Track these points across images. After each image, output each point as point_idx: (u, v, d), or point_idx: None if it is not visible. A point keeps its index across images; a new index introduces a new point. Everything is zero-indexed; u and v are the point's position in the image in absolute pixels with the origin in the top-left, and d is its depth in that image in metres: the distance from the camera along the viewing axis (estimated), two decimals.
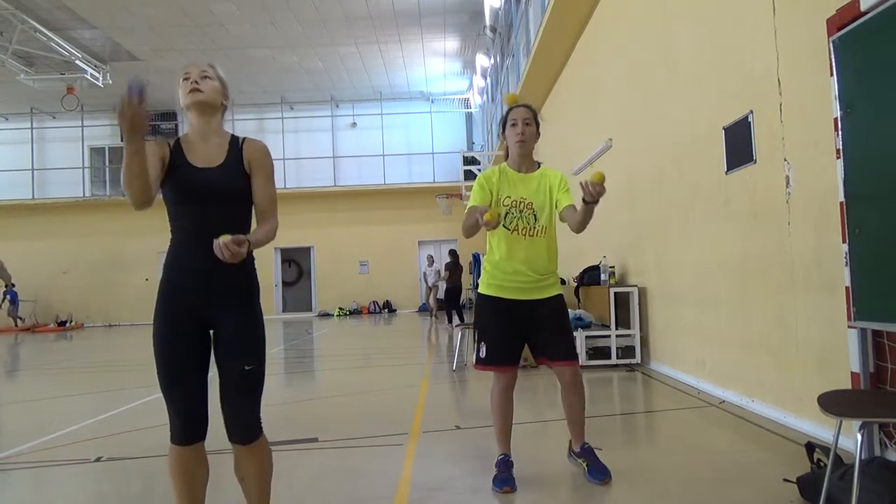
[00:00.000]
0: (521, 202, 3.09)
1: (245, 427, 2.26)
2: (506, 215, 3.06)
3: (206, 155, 2.29)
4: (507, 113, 3.20)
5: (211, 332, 2.28)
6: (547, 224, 3.10)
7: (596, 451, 3.12)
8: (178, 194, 2.25)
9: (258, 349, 2.28)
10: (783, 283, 4.06)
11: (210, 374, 2.30)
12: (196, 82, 2.31)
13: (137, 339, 15.49)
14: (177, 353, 2.22)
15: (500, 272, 3.11)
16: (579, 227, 2.98)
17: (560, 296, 3.20)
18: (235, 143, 2.34)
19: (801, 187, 3.85)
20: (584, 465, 3.07)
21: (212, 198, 2.23)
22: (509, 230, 3.07)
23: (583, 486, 2.98)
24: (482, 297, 3.19)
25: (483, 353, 3.14)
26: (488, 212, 2.82)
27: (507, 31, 14.62)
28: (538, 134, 3.19)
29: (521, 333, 3.14)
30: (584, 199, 2.83)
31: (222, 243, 2.02)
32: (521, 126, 3.10)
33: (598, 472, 3.03)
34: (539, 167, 3.21)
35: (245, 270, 2.29)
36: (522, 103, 3.25)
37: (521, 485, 3.05)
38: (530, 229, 3.08)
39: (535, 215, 3.08)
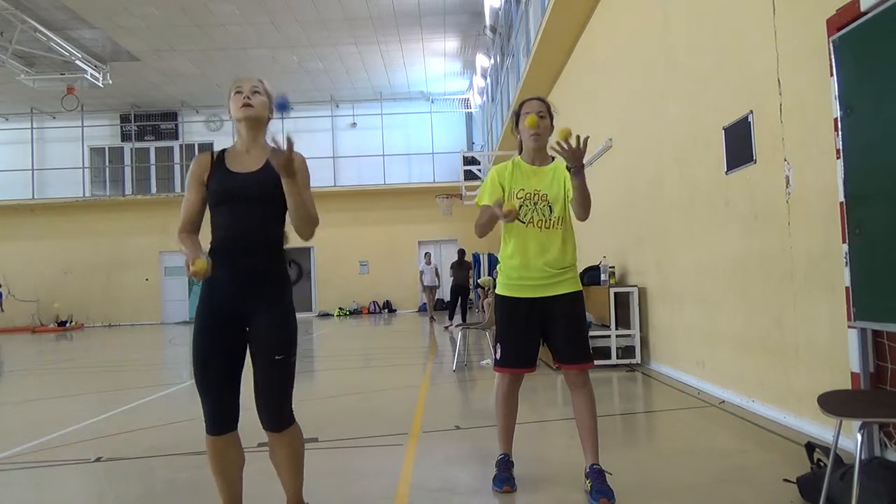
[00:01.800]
0: (535, 194, 3.02)
1: (274, 415, 2.40)
2: (519, 208, 2.99)
3: (245, 164, 2.46)
4: (521, 106, 3.14)
5: (247, 328, 2.41)
6: (562, 215, 3.03)
7: (606, 475, 2.90)
8: (213, 196, 2.44)
9: (288, 342, 2.41)
10: (783, 283, 4.06)
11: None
12: (248, 97, 2.45)
13: (137, 340, 15.49)
14: (210, 349, 2.36)
15: (514, 270, 3.04)
16: (580, 208, 2.92)
17: (577, 293, 3.07)
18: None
19: (801, 187, 3.85)
20: (589, 485, 2.89)
21: (244, 198, 2.39)
22: (524, 223, 3.00)
23: (582, 487, 2.98)
24: (498, 298, 3.14)
25: (499, 356, 3.10)
26: (505, 203, 2.80)
27: (507, 31, 14.62)
28: (552, 127, 3.13)
29: (538, 333, 3.06)
30: (567, 168, 2.82)
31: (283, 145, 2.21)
32: (535, 119, 3.04)
33: (600, 494, 2.80)
34: (553, 161, 3.14)
35: (278, 270, 2.47)
36: (536, 96, 3.20)
37: (521, 485, 3.04)
38: (545, 221, 3.01)
39: (549, 207, 3.01)
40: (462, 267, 14.48)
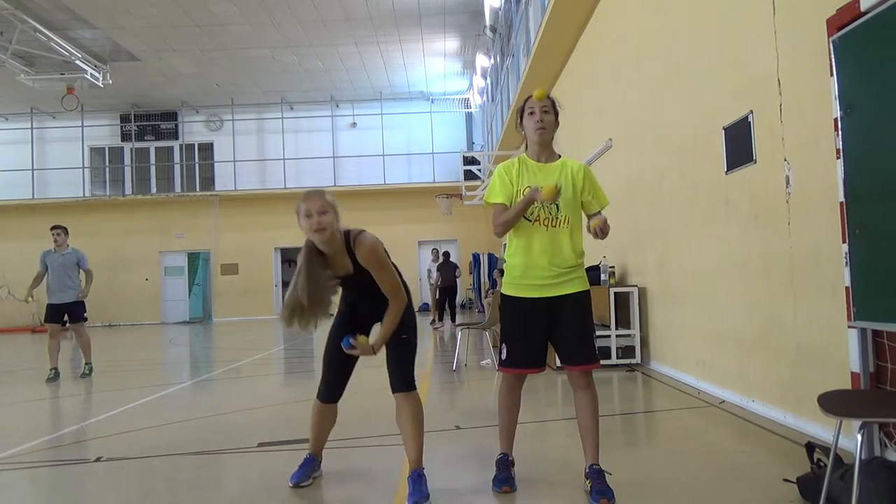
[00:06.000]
0: None
1: (398, 379, 3.08)
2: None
3: (341, 265, 3.04)
4: (525, 102, 3.13)
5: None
6: (570, 214, 3.00)
7: (606, 475, 2.90)
8: (340, 286, 3.18)
9: (408, 327, 3.11)
10: (783, 283, 4.06)
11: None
12: (320, 221, 2.87)
13: (137, 340, 15.48)
14: (335, 348, 3.12)
15: (517, 269, 3.02)
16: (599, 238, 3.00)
17: (584, 292, 3.03)
18: (350, 250, 2.99)
19: (801, 187, 3.85)
20: (589, 485, 2.89)
21: (360, 289, 3.13)
22: (530, 221, 2.97)
23: (582, 486, 2.98)
24: (503, 297, 3.11)
25: (504, 356, 3.08)
26: (544, 189, 2.84)
27: (507, 31, 14.61)
28: (557, 123, 3.11)
29: (544, 333, 3.03)
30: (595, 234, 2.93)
31: (354, 353, 3.05)
32: (539, 114, 3.02)
33: (600, 494, 2.79)
34: (559, 157, 3.12)
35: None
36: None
37: (521, 485, 3.04)
38: (552, 219, 2.97)
39: (556, 205, 2.97)
40: (448, 267, 14.45)
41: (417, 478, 2.95)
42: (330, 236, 2.91)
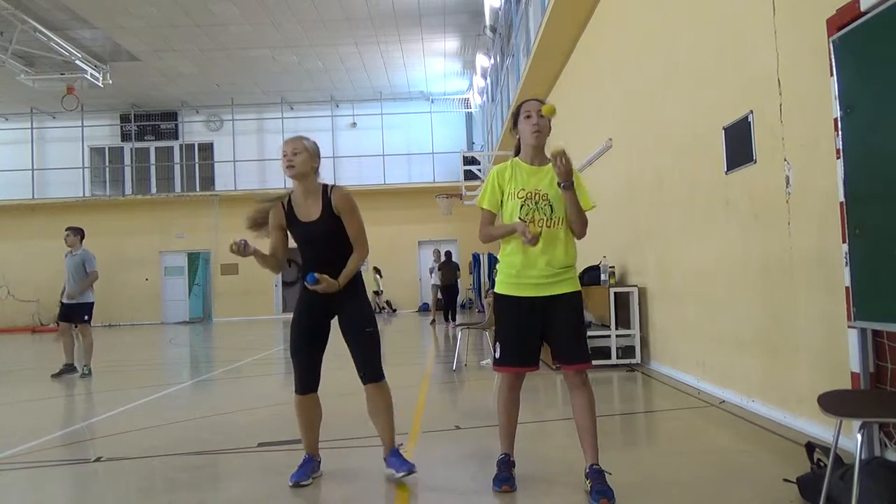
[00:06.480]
0: (535, 193, 3.03)
1: (370, 371, 3.22)
2: (521, 207, 3.02)
3: (307, 211, 3.21)
4: (520, 106, 3.17)
5: (335, 318, 3.27)
6: (563, 216, 3.04)
7: (606, 475, 2.89)
8: (296, 239, 3.29)
9: (370, 320, 3.28)
10: (783, 283, 4.06)
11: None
12: (290, 159, 3.13)
13: (137, 340, 15.48)
14: (300, 335, 3.27)
15: (514, 268, 3.04)
16: (575, 225, 3.02)
17: (577, 293, 3.09)
18: (325, 195, 3.18)
19: (801, 187, 3.85)
20: (589, 485, 2.87)
21: (317, 242, 3.21)
22: (525, 222, 3.00)
23: (582, 486, 2.98)
24: (497, 297, 3.13)
25: (499, 354, 3.10)
26: (530, 229, 2.89)
27: (507, 31, 14.62)
28: (549, 127, 3.15)
29: (538, 332, 3.05)
30: (557, 184, 2.91)
31: (318, 288, 3.09)
32: (535, 118, 3.06)
33: (600, 494, 2.78)
34: (549, 162, 3.10)
35: (352, 279, 3.22)
36: (534, 97, 3.24)
37: (521, 485, 3.04)
38: (547, 220, 3.02)
39: (551, 206, 3.02)
40: (450, 267, 14.50)
41: (398, 454, 3.26)
42: (301, 174, 3.15)
